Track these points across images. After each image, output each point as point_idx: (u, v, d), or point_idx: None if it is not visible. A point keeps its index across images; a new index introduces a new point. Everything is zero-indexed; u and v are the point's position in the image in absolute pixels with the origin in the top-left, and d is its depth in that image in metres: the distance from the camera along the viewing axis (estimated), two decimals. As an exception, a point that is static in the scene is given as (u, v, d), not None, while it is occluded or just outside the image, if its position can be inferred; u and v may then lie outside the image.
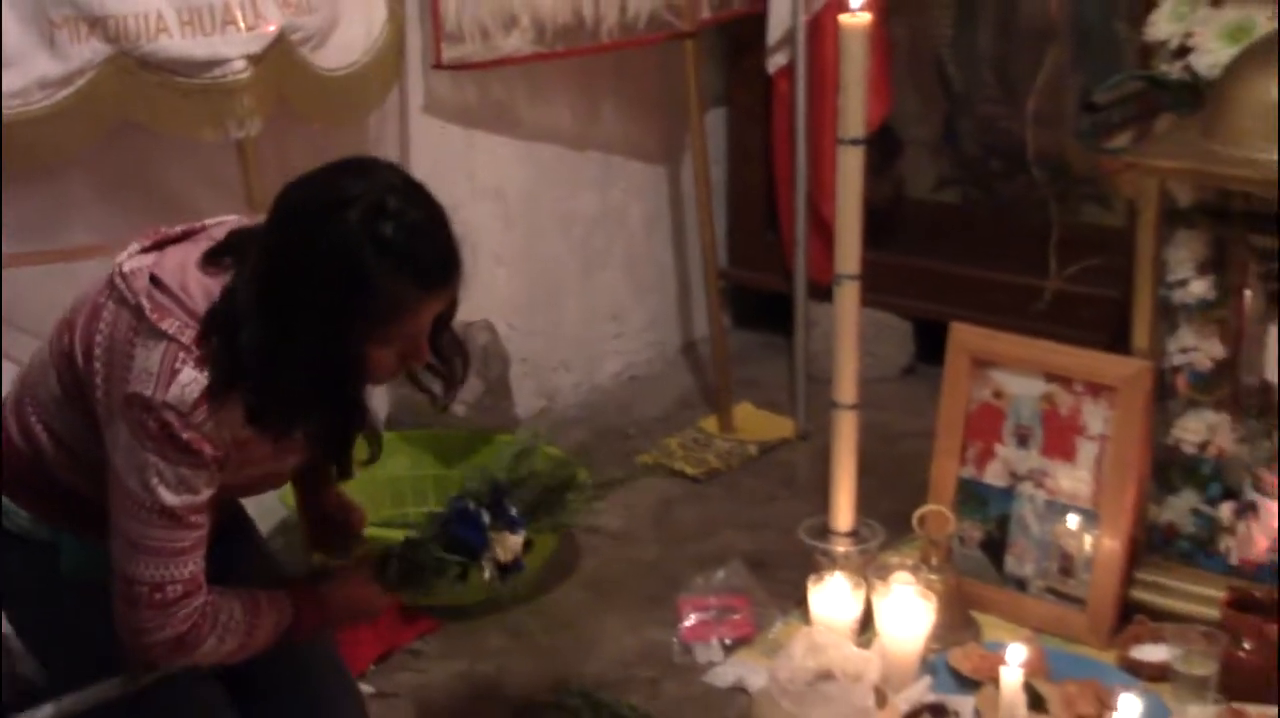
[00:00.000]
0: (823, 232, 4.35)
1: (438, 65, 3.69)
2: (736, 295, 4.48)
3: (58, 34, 2.92)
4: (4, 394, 2.59)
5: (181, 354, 2.28)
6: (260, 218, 2.51)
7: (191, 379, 2.27)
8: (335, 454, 2.53)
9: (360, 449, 2.57)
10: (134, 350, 2.31)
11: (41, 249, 3.10)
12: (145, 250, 2.43)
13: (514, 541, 2.67)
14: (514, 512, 2.65)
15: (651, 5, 3.97)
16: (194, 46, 3.05)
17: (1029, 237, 4.40)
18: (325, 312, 2.26)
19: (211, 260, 2.36)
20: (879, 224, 4.22)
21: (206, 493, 2.34)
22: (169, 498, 2.31)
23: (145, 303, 2.31)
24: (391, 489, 3.70)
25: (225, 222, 2.51)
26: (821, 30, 4.22)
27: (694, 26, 4.09)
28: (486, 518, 2.62)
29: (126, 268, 2.38)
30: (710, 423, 4.33)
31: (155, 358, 2.29)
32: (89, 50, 2.96)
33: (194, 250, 2.40)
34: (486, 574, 2.70)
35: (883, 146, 4.49)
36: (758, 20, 4.28)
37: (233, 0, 3.09)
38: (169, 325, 2.30)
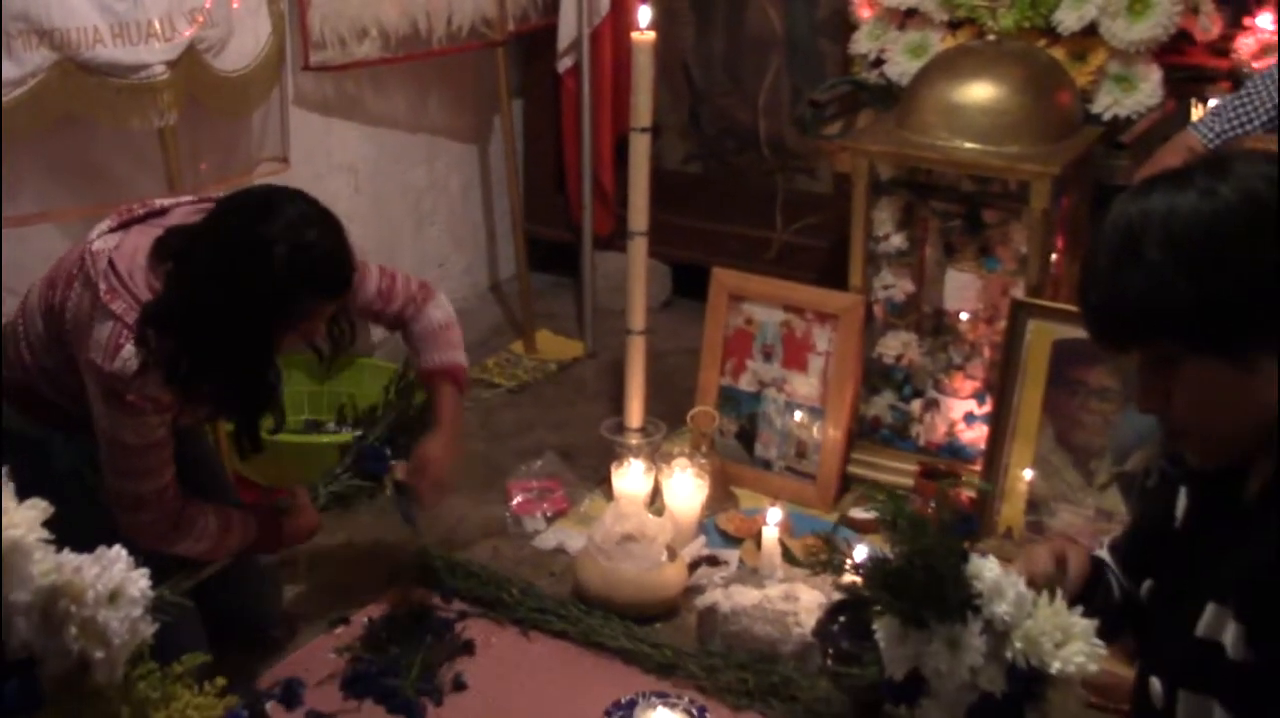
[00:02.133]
0: (601, 195, 4.44)
1: (306, 67, 3.67)
2: (532, 245, 4.52)
3: (14, 43, 2.86)
4: (14, 323, 2.58)
5: (125, 332, 2.31)
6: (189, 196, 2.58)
7: (130, 354, 2.30)
8: (245, 422, 2.61)
9: (267, 420, 2.68)
10: (92, 324, 2.33)
11: (-4, 218, 3.07)
12: (113, 229, 2.44)
13: (404, 465, 2.83)
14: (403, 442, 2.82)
15: (470, 20, 3.96)
16: (123, 54, 3.01)
17: (759, 200, 4.46)
18: (253, 321, 2.35)
19: (157, 255, 2.39)
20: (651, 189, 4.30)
21: (159, 433, 2.39)
22: (129, 438, 2.36)
23: (101, 284, 2.33)
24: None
25: (181, 203, 2.54)
26: (600, 39, 4.24)
27: (503, 37, 4.09)
28: (387, 451, 2.78)
29: (95, 247, 2.39)
30: (518, 346, 4.35)
31: (105, 333, 2.31)
32: (39, 57, 2.91)
33: (148, 237, 2.41)
34: (388, 492, 2.87)
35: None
36: (550, 31, 4.29)
37: (154, 17, 3.03)
38: (117, 307, 2.32)
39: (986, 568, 1.87)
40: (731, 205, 4.55)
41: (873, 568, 1.98)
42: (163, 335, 2.32)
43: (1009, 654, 1.83)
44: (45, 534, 1.21)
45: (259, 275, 2.29)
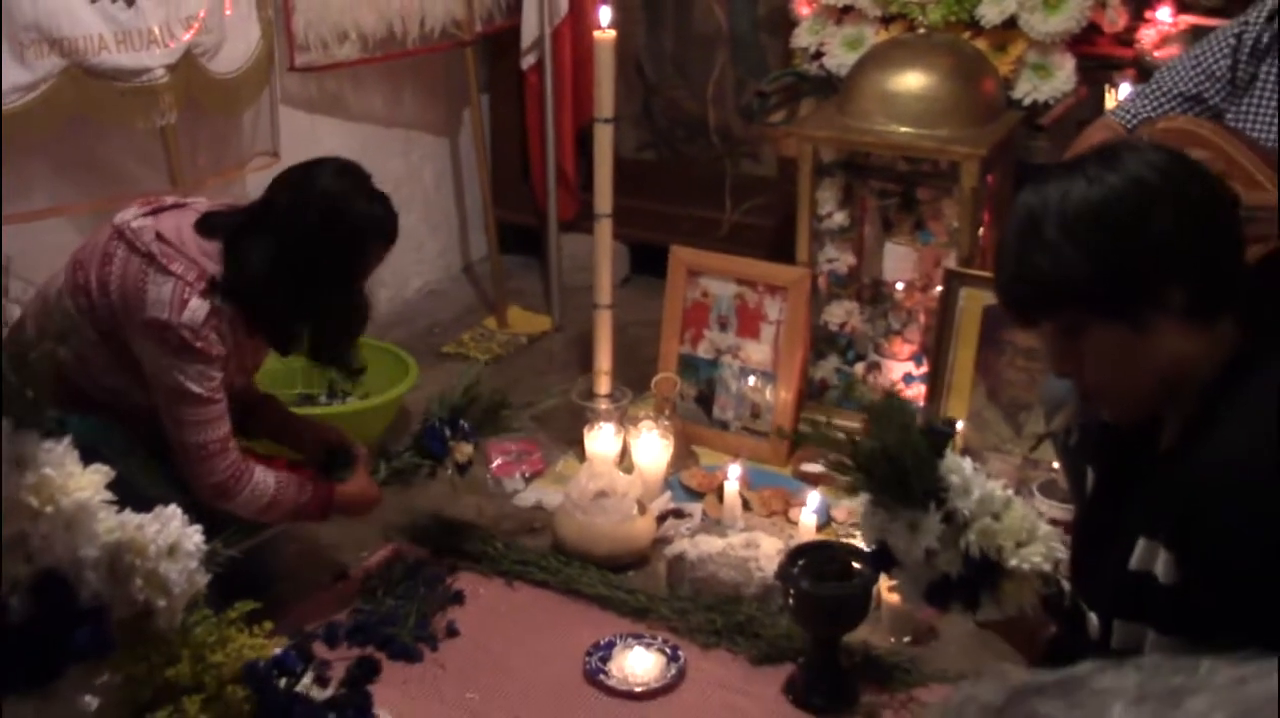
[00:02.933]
0: (564, 182, 4.43)
1: (292, 68, 3.64)
2: (500, 229, 4.52)
3: (26, 52, 2.85)
4: (27, 313, 2.57)
5: (187, 288, 2.35)
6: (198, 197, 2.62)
7: (199, 305, 2.34)
8: (340, 352, 2.67)
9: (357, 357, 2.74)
10: (146, 287, 2.36)
11: (9, 211, 3.03)
12: (145, 214, 2.47)
13: (466, 448, 2.84)
14: (466, 427, 2.83)
15: (441, 22, 3.94)
16: (127, 59, 3.00)
17: (709, 184, 4.43)
18: (347, 268, 2.49)
19: (201, 228, 2.43)
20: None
21: (218, 378, 2.42)
22: (193, 387, 2.38)
23: (155, 250, 2.36)
24: (277, 377, 3.63)
25: (198, 200, 2.59)
26: (560, 38, 4.22)
27: (471, 37, 4.07)
28: (448, 433, 2.78)
29: (134, 225, 2.41)
30: (491, 322, 4.33)
31: (166, 291, 2.35)
32: (49, 63, 2.89)
33: (183, 218, 2.46)
34: (449, 472, 2.88)
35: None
36: (514, 31, 4.26)
37: (154, 24, 3.03)
38: (176, 268, 2.35)
39: (959, 467, 1.95)
40: (684, 189, 4.52)
41: (854, 448, 2.05)
42: (248, 288, 2.41)
43: (964, 544, 1.91)
44: (109, 496, 1.22)
45: (347, 229, 2.44)
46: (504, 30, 4.29)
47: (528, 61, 4.31)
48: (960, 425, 3.21)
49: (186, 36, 3.13)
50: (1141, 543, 1.80)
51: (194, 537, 1.23)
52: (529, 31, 4.24)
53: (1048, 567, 1.91)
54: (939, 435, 1.99)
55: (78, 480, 1.17)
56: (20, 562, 1.18)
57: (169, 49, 3.09)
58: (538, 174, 4.46)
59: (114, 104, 3.04)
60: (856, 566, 2.59)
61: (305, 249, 2.42)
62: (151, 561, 1.18)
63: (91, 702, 1.20)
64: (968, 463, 1.95)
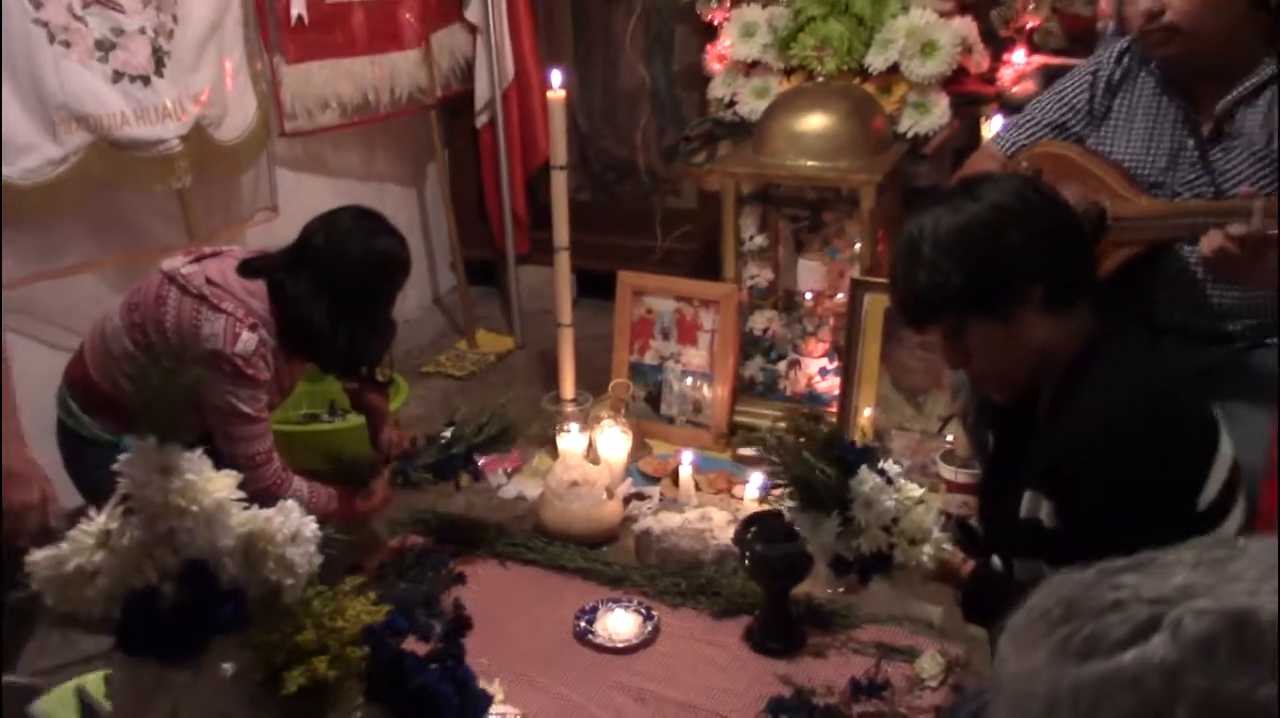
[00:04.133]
0: (518, 222, 4.47)
1: (282, 134, 3.66)
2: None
3: (57, 129, 2.85)
4: (86, 350, 2.58)
5: (238, 324, 2.38)
6: (226, 246, 2.63)
7: (249, 338, 2.37)
8: (370, 369, 2.74)
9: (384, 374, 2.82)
10: (200, 323, 2.38)
11: (47, 269, 3.04)
12: (191, 262, 2.48)
13: (467, 478, 2.98)
14: (478, 461, 2.92)
15: (408, 89, 3.97)
16: (145, 132, 3.01)
17: (640, 217, 4.49)
18: (380, 299, 2.56)
19: (243, 271, 2.46)
20: (550, 214, 4.32)
21: (264, 398, 2.44)
22: (245, 408, 2.40)
23: (206, 292, 2.38)
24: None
25: (232, 249, 2.62)
26: (509, 99, 4.27)
27: (434, 101, 4.11)
28: (460, 463, 2.82)
29: (184, 271, 2.43)
30: (462, 344, 4.36)
31: (219, 326, 2.37)
32: (78, 139, 2.90)
33: (225, 264, 2.48)
34: (459, 487, 3.02)
35: (544, 167, 4.56)
36: (468, 94, 4.31)
37: (167, 100, 3.04)
38: (227, 306, 2.38)
39: (868, 483, 2.03)
40: (618, 223, 4.56)
41: (784, 463, 2.15)
42: (294, 322, 2.47)
43: (855, 544, 2.02)
44: (240, 494, 1.26)
45: (375, 261, 2.50)
46: (460, 94, 4.32)
47: (481, 120, 4.35)
48: (868, 413, 3.31)
49: (195, 109, 3.13)
50: (1028, 495, 1.92)
51: (310, 525, 1.27)
52: (481, 94, 4.29)
53: (932, 566, 2.03)
54: (855, 458, 2.09)
55: (215, 483, 1.20)
56: (169, 554, 1.21)
57: (181, 121, 3.09)
58: (494, 216, 4.49)
59: (135, 171, 3.05)
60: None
61: (342, 281, 2.47)
62: (279, 546, 1.21)
63: (231, 668, 1.24)
64: (872, 478, 2.05)
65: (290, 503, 1.24)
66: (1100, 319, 1.92)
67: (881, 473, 2.06)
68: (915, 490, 2.08)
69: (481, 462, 3.35)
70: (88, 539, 1.19)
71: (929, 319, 1.95)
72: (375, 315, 2.59)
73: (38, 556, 1.21)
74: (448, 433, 2.94)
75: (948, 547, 2.05)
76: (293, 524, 1.21)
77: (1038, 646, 0.75)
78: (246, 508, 1.24)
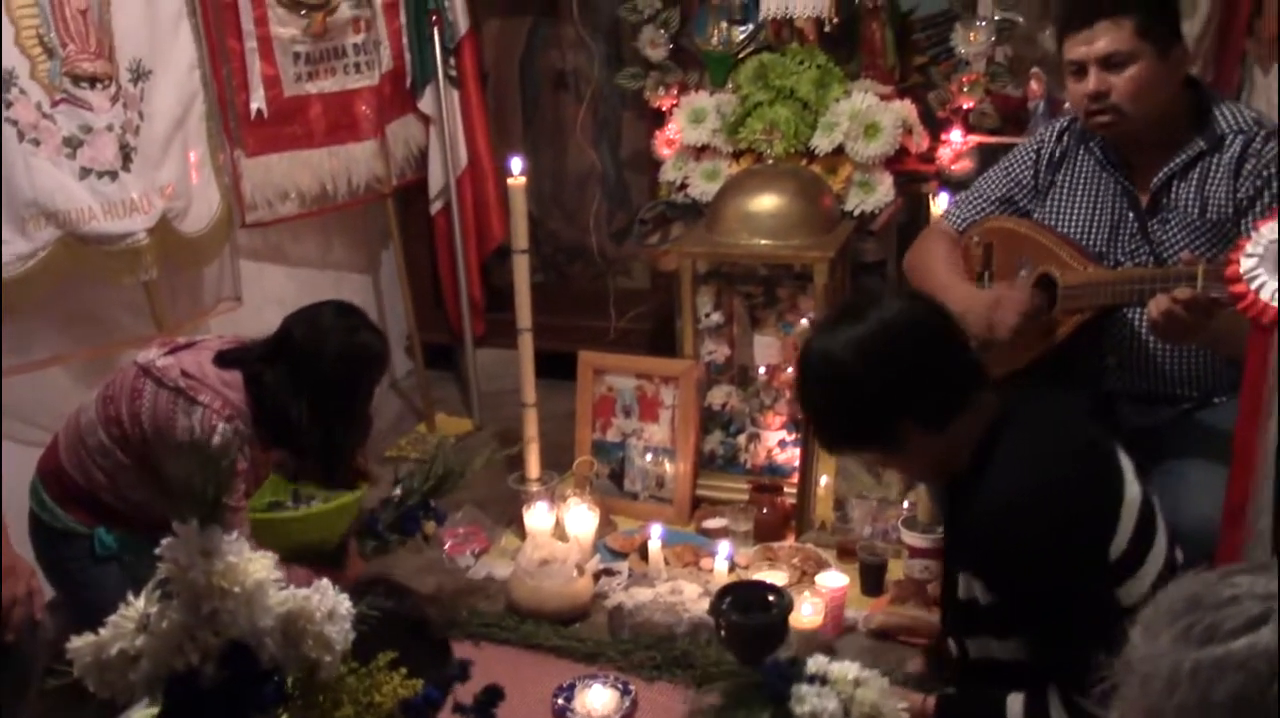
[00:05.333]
0: (474, 306, 4.51)
1: (244, 225, 3.68)
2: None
3: (27, 225, 2.86)
4: (59, 443, 2.57)
5: (214, 415, 2.37)
6: (193, 338, 2.66)
7: (226, 429, 2.36)
8: (335, 466, 2.70)
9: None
10: (176, 415, 2.37)
11: (18, 363, 3.00)
12: (165, 354, 2.49)
13: (431, 524, 2.97)
14: (436, 508, 2.91)
15: (365, 179, 3.99)
16: (113, 226, 3.02)
17: (593, 298, 4.54)
18: (353, 390, 2.53)
19: (220, 362, 2.46)
20: (506, 298, 4.34)
21: (242, 489, 2.43)
22: (225, 499, 2.38)
23: (183, 384, 2.38)
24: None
25: (207, 339, 2.61)
26: (462, 185, 4.30)
27: (390, 190, 4.14)
28: (420, 514, 2.82)
29: (159, 363, 2.43)
30: (422, 427, 4.35)
31: (196, 419, 2.36)
32: (46, 234, 2.90)
33: (200, 355, 2.48)
34: (419, 540, 3.04)
35: (497, 252, 4.56)
36: (422, 182, 4.34)
37: (134, 194, 3.05)
38: (204, 398, 2.38)
39: (805, 700, 2.10)
40: (571, 304, 4.59)
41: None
42: (272, 415, 2.45)
43: None
44: (278, 574, 1.27)
45: (352, 358, 2.50)
46: (414, 182, 4.36)
47: (436, 207, 4.38)
48: (825, 481, 3.36)
49: (162, 203, 3.15)
50: (961, 577, 2.02)
51: (344, 603, 1.29)
52: (435, 182, 4.33)
53: None
54: (781, 682, 2.15)
55: (255, 564, 1.22)
56: (210, 635, 1.23)
57: (148, 214, 3.10)
58: (450, 300, 4.51)
59: (103, 265, 3.05)
60: (772, 598, 2.70)
61: (321, 376, 2.47)
62: (318, 624, 1.23)
63: (270, 745, 1.25)
64: (813, 693, 2.11)
65: (325, 581, 1.27)
66: (1004, 400, 2.02)
67: (812, 679, 2.15)
68: (850, 671, 2.16)
69: (448, 545, 3.40)
70: (128, 624, 1.20)
71: (845, 446, 2.14)
72: (352, 410, 2.59)
73: (78, 642, 1.22)
74: (397, 490, 2.97)
75: (903, 705, 2.11)
76: (329, 602, 1.24)
77: (1163, 633, 0.90)
78: (283, 588, 1.26)
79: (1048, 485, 1.91)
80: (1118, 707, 0.93)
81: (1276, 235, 2.01)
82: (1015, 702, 1.96)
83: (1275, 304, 2.00)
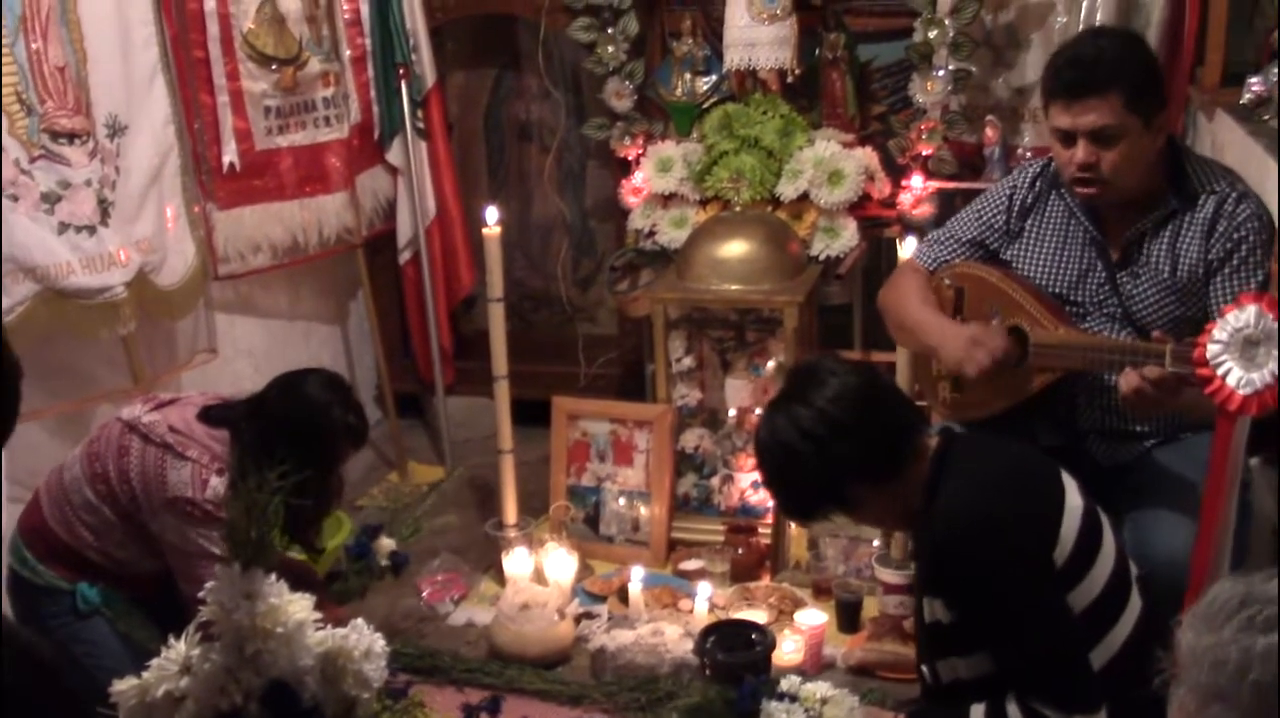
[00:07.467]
0: (444, 355, 4.51)
1: (216, 278, 3.67)
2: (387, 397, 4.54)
3: (5, 279, 2.84)
4: (41, 499, 2.56)
5: (204, 469, 2.38)
6: (173, 394, 2.67)
7: (218, 482, 2.37)
8: (305, 532, 2.67)
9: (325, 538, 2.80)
10: (166, 472, 2.38)
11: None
12: (151, 410, 2.49)
13: (386, 543, 3.19)
14: (377, 526, 2.90)
15: (335, 230, 4.00)
16: (91, 280, 3.02)
17: (560, 345, 4.57)
18: (330, 463, 2.55)
19: (204, 418, 2.47)
20: (474, 346, 4.35)
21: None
22: (216, 550, 2.38)
23: (170, 440, 2.39)
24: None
25: (190, 394, 2.62)
26: (431, 235, 4.31)
27: (360, 240, 4.15)
28: (365, 538, 2.83)
29: (145, 419, 2.43)
30: (394, 476, 4.34)
31: (186, 474, 2.37)
32: (25, 289, 2.89)
33: (185, 410, 2.49)
34: (384, 572, 3.19)
35: (466, 301, 4.63)
36: (391, 233, 4.36)
37: (112, 248, 3.05)
38: (193, 453, 2.38)
39: (778, 713, 2.20)
40: (537, 351, 4.58)
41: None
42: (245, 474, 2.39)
43: None
44: (317, 615, 1.29)
45: (323, 434, 2.48)
46: (383, 233, 4.38)
47: (405, 257, 4.39)
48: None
49: (139, 256, 3.16)
50: (925, 601, 2.12)
51: (378, 642, 1.31)
52: (404, 232, 4.35)
53: None
54: (751, 700, 2.28)
55: (295, 605, 1.24)
56: (253, 676, 1.24)
57: (125, 268, 3.11)
58: (420, 349, 4.52)
59: (81, 319, 3.04)
60: (755, 637, 2.74)
61: (293, 446, 2.41)
62: (356, 662, 1.25)
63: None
64: (780, 702, 2.22)
65: (360, 621, 1.29)
66: (944, 439, 2.16)
67: (782, 697, 2.21)
68: (819, 690, 2.22)
69: (426, 593, 3.40)
70: (172, 667, 1.22)
71: (808, 517, 2.26)
72: (321, 481, 2.56)
73: (122, 685, 1.23)
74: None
75: None
76: (366, 641, 1.26)
77: (1224, 625, 1.03)
78: (320, 628, 1.28)
79: (987, 502, 2.04)
80: (1177, 696, 1.07)
81: (1242, 323, 2.03)
82: (977, 711, 2.04)
83: (1240, 392, 2.02)
